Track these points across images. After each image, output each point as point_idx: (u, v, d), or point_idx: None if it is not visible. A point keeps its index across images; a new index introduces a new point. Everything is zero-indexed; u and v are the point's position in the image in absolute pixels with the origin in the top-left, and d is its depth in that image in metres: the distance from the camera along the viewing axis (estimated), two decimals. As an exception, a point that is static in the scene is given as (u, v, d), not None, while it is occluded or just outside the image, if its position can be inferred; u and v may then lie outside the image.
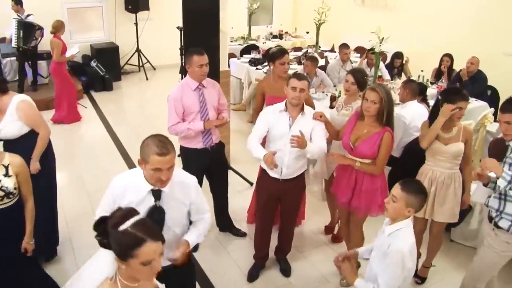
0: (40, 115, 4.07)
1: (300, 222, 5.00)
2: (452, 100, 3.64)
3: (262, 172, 3.95)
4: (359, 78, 4.15)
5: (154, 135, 2.56)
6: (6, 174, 3.08)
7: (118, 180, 2.73)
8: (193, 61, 3.99)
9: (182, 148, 4.34)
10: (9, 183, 3.08)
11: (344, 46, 7.38)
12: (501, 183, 3.02)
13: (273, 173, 3.78)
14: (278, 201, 4.01)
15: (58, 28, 7.42)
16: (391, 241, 2.65)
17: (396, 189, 2.68)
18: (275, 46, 8.76)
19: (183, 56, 5.37)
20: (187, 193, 2.78)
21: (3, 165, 3.08)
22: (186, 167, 4.40)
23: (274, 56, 4.43)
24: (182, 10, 4.90)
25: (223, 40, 5.28)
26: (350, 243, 4.07)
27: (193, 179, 2.85)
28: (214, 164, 4.40)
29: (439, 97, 3.87)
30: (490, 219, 3.28)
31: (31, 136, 3.94)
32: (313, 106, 4.52)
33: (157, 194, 2.64)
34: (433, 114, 3.85)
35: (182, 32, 5.01)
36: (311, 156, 3.80)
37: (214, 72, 5.03)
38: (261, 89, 4.64)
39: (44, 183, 4.08)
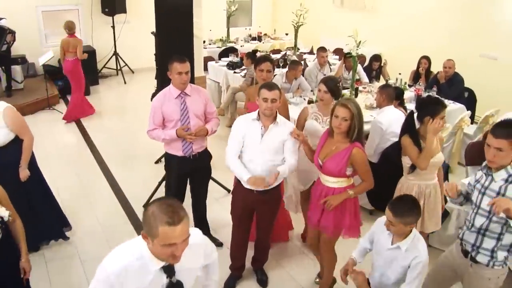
0: (25, 122, 4.13)
1: (287, 237, 4.93)
2: (436, 111, 3.59)
3: (237, 183, 3.87)
4: (331, 87, 4.10)
5: (159, 200, 2.10)
6: None
7: (112, 266, 2.14)
8: (173, 68, 3.95)
9: (166, 153, 4.39)
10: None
11: (321, 49, 7.35)
12: None
13: (247, 185, 3.71)
14: (254, 212, 3.95)
15: (73, 27, 7.90)
16: (412, 254, 2.78)
17: (389, 215, 2.75)
18: (252, 50, 8.81)
19: (157, 62, 5.26)
20: (197, 258, 2.37)
21: None
22: (168, 172, 4.52)
23: (257, 62, 4.45)
24: (155, 15, 4.82)
25: (197, 45, 5.21)
26: (322, 265, 4.01)
27: (199, 237, 2.38)
28: (195, 172, 4.37)
29: (416, 110, 3.82)
30: (465, 253, 3.05)
31: (15, 143, 4.00)
32: (288, 118, 4.49)
33: (170, 270, 2.20)
34: (410, 127, 3.81)
35: (155, 37, 4.92)
36: (284, 175, 3.77)
37: (190, 79, 4.97)
38: (247, 96, 4.64)
39: (36, 178, 4.27)
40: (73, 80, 7.97)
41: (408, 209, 2.75)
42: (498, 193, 2.80)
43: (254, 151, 3.63)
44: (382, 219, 3.00)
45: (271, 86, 3.56)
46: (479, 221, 2.91)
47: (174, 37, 4.74)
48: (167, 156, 4.40)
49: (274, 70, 4.63)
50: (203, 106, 4.22)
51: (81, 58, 7.86)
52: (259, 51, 9.62)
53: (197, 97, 4.17)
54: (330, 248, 3.80)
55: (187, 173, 4.36)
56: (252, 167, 3.63)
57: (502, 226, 2.83)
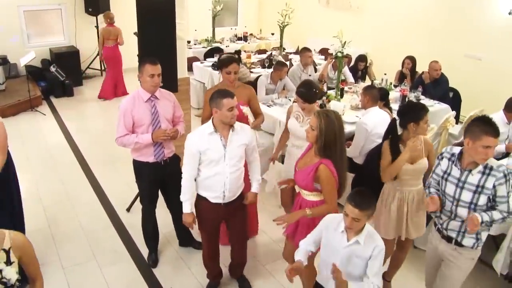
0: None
1: (256, 232, 4.90)
2: (420, 116, 3.57)
3: (201, 199, 3.66)
4: (302, 94, 4.07)
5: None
6: (8, 262, 2.42)
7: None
8: (145, 70, 3.83)
9: (134, 161, 4.17)
10: (12, 274, 2.43)
11: (306, 49, 7.27)
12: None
13: (215, 199, 3.58)
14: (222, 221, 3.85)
15: (113, 18, 9.01)
16: (371, 245, 2.79)
17: (354, 212, 2.68)
18: (235, 51, 8.75)
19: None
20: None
21: (3, 249, 2.41)
22: (139, 181, 4.28)
23: (222, 63, 4.21)
24: (137, 16, 4.73)
25: (181, 46, 5.12)
26: (302, 278, 3.84)
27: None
28: (169, 177, 4.18)
29: (399, 116, 3.79)
30: (448, 239, 3.19)
31: None
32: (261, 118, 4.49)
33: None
34: (392, 132, 3.79)
35: (137, 38, 4.83)
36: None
37: (172, 80, 4.89)
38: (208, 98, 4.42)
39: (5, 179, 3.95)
40: (111, 64, 9.18)
41: (370, 201, 2.76)
42: (477, 186, 2.96)
43: (220, 164, 3.47)
44: (330, 218, 2.96)
45: (231, 94, 3.44)
46: (462, 211, 3.05)
47: (156, 38, 4.65)
48: (137, 164, 4.17)
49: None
50: (172, 109, 4.12)
51: (121, 44, 9.05)
52: (245, 51, 9.58)
53: (167, 100, 4.07)
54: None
55: (160, 180, 4.21)
56: (220, 179, 3.51)
57: (485, 211, 2.99)
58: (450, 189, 3.10)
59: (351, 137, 5.26)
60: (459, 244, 3.15)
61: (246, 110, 4.27)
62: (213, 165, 3.47)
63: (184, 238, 4.70)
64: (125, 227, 5.05)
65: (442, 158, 3.18)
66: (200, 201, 3.67)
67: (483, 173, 2.94)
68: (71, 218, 5.19)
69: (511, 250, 3.98)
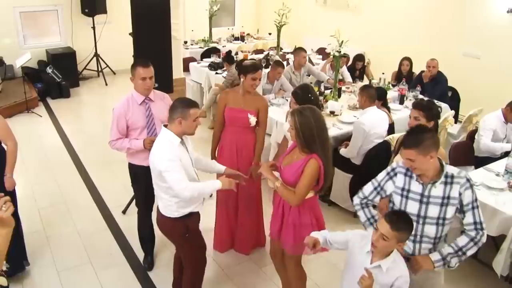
0: (8, 125, 3.90)
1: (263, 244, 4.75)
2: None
3: (185, 219, 3.39)
4: (296, 95, 4.07)
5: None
6: None
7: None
8: (137, 73, 3.77)
9: (129, 165, 4.11)
10: None
11: (300, 49, 7.14)
12: None
13: (197, 208, 3.43)
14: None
15: None
16: (395, 273, 2.63)
17: (385, 227, 2.55)
18: (226, 52, 8.67)
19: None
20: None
21: None
22: (135, 184, 4.23)
23: (248, 69, 4.10)
24: (131, 16, 4.70)
25: (176, 46, 5.09)
26: (288, 284, 3.76)
27: None
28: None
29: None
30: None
31: None
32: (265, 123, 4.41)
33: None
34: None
35: (133, 39, 4.79)
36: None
37: (167, 80, 4.85)
38: (223, 101, 4.30)
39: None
40: None
41: (405, 225, 2.58)
42: (443, 197, 2.76)
43: (192, 173, 3.35)
44: (360, 233, 2.86)
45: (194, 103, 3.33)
46: (430, 229, 2.83)
47: (151, 39, 4.62)
48: (132, 168, 4.11)
49: None
50: (167, 112, 4.02)
51: None
52: (242, 51, 9.53)
53: (161, 103, 4.00)
54: (295, 263, 3.56)
55: (147, 183, 3.98)
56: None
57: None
58: (413, 207, 2.83)
59: (348, 137, 5.21)
60: (450, 267, 2.91)
61: (252, 120, 4.16)
62: (185, 174, 3.25)
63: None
64: (121, 229, 5.00)
65: (396, 174, 2.90)
66: (185, 221, 3.38)
67: (446, 182, 2.75)
68: (66, 220, 5.14)
69: None
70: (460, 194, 2.74)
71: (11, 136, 3.86)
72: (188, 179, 3.21)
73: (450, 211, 2.77)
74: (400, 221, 2.56)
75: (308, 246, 2.89)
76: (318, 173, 3.13)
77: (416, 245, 2.88)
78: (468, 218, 2.78)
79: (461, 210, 2.78)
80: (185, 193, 3.16)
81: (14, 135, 3.91)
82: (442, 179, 2.75)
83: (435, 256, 2.83)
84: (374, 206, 3.19)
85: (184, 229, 3.40)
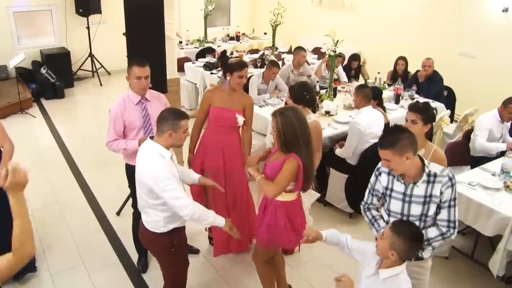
0: (4, 128, 3.88)
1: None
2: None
3: (172, 234, 3.23)
4: (292, 90, 4.08)
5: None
6: None
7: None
8: (132, 72, 3.73)
9: (126, 165, 4.06)
10: None
11: (300, 49, 7.12)
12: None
13: (183, 223, 3.29)
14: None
15: None
16: (390, 286, 2.53)
17: (388, 226, 2.55)
18: (221, 52, 8.62)
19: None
20: None
21: None
22: (131, 185, 4.16)
23: (234, 67, 4.07)
24: (125, 16, 4.64)
25: (170, 46, 5.04)
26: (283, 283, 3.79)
27: None
28: None
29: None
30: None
31: None
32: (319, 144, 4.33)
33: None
34: None
35: (126, 39, 4.74)
36: None
37: (162, 80, 4.80)
38: (208, 100, 4.25)
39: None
40: None
41: (405, 233, 2.47)
42: (425, 196, 2.77)
43: (179, 185, 3.16)
44: (372, 248, 2.69)
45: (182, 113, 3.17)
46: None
47: (144, 39, 4.56)
48: (129, 169, 4.01)
49: None
50: None
51: None
52: (237, 51, 9.50)
53: (157, 102, 3.96)
54: (263, 262, 3.59)
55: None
56: None
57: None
58: (396, 205, 2.88)
59: (344, 137, 5.18)
60: (420, 258, 2.95)
61: (240, 119, 4.12)
62: (181, 190, 3.12)
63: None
64: (115, 231, 4.96)
65: (380, 173, 2.96)
66: (171, 235, 3.23)
67: (428, 181, 2.75)
68: (59, 222, 5.10)
69: (508, 251, 3.91)
70: (441, 192, 2.75)
71: (7, 139, 3.83)
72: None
73: (432, 209, 2.79)
74: (402, 227, 2.50)
75: (306, 237, 2.86)
76: (297, 170, 3.13)
77: None
78: (443, 215, 2.79)
79: (437, 205, 2.79)
80: (186, 212, 3.00)
81: (10, 137, 3.88)
82: (424, 177, 2.76)
83: None
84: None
85: (170, 243, 3.25)
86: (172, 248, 3.26)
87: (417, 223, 2.81)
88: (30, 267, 4.17)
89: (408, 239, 2.44)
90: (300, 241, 3.18)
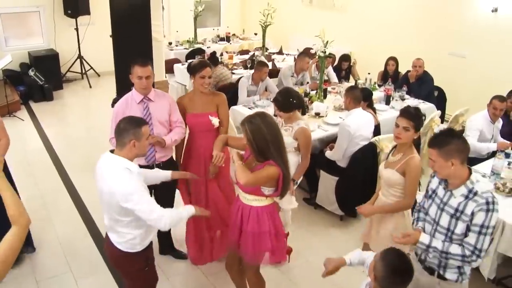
0: (3, 123, 3.99)
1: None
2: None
3: (143, 253, 3.12)
4: (277, 102, 4.02)
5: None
6: None
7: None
8: (134, 72, 3.73)
9: None
10: None
11: (305, 55, 7.03)
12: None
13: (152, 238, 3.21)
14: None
15: None
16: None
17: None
18: (211, 53, 8.53)
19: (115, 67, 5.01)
20: None
21: None
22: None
23: (194, 69, 3.94)
24: (111, 18, 4.59)
25: (157, 48, 4.99)
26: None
27: None
28: (159, 184, 3.77)
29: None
30: (430, 270, 2.90)
31: None
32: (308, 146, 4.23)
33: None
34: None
35: (112, 41, 4.69)
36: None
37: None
38: (182, 109, 4.08)
39: None
40: None
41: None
42: (456, 210, 2.67)
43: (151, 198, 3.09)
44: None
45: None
46: (439, 239, 2.77)
47: (131, 41, 4.52)
48: None
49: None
50: (168, 112, 3.94)
51: None
52: (227, 52, 9.44)
53: (162, 103, 3.90)
54: (254, 271, 3.51)
55: (151, 185, 3.92)
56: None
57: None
58: (432, 210, 2.84)
59: (334, 139, 5.14)
60: (442, 277, 2.86)
61: (215, 121, 4.00)
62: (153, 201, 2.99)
63: (164, 245, 4.57)
64: (103, 236, 4.88)
65: (434, 176, 2.90)
66: (145, 253, 3.13)
67: (466, 197, 2.64)
68: (46, 227, 5.02)
69: (498, 254, 3.88)
70: (472, 213, 2.60)
71: (5, 134, 3.96)
72: None
73: (459, 226, 2.66)
74: (390, 254, 2.43)
75: (326, 269, 2.79)
76: (276, 177, 3.07)
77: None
78: (471, 239, 2.63)
79: (467, 227, 2.64)
80: (162, 222, 2.88)
81: (7, 133, 4.04)
82: (464, 191, 2.65)
83: (423, 238, 2.76)
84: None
85: (145, 262, 3.14)
86: (146, 267, 3.17)
87: (442, 237, 2.74)
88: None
89: (389, 267, 2.35)
90: (284, 250, 3.19)
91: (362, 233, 3.90)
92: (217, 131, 4.11)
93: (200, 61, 4.11)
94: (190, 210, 3.10)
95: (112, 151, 2.97)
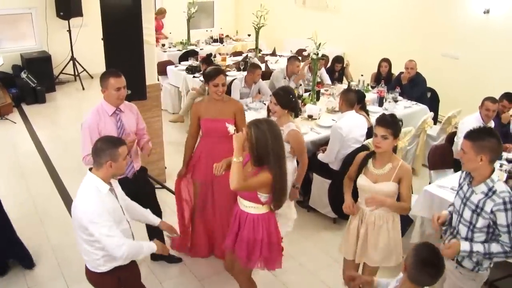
0: None
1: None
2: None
3: (109, 275, 3.01)
4: (278, 96, 3.97)
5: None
6: None
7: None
8: (110, 84, 3.65)
9: None
10: None
11: (294, 58, 7.04)
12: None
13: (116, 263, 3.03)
14: None
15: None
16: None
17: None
18: (207, 55, 8.52)
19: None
20: None
21: None
22: None
23: (208, 76, 4.00)
24: (102, 21, 4.56)
25: (149, 51, 4.96)
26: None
27: None
28: (139, 190, 3.92)
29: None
30: None
31: None
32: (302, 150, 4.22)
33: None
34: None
35: (103, 44, 4.65)
36: None
37: (141, 87, 4.73)
38: (196, 113, 4.17)
39: None
40: None
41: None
42: (477, 206, 2.84)
43: (122, 221, 3.02)
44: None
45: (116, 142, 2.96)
46: (463, 230, 2.95)
47: (122, 44, 4.49)
48: None
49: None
50: (136, 121, 3.97)
51: None
52: (220, 53, 9.41)
53: (130, 113, 3.92)
54: (247, 276, 3.53)
55: (132, 193, 3.76)
56: (128, 236, 3.06)
57: (486, 233, 2.87)
58: (457, 202, 3.03)
59: (327, 141, 5.13)
60: (459, 263, 3.02)
61: (231, 128, 3.93)
62: (116, 227, 2.86)
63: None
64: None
65: (463, 170, 3.07)
66: (115, 273, 3.02)
67: (486, 194, 2.81)
68: (38, 232, 4.98)
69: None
70: (492, 212, 2.78)
71: None
72: (119, 230, 2.87)
73: (480, 222, 2.84)
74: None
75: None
76: (270, 182, 3.08)
77: (453, 240, 2.99)
78: (505, 238, 2.80)
79: (496, 227, 2.82)
80: (120, 252, 2.80)
81: None
82: (484, 189, 2.82)
83: (464, 246, 2.86)
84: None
85: (116, 283, 3.04)
86: (120, 287, 3.09)
87: (465, 229, 2.92)
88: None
89: (419, 257, 2.41)
90: (279, 258, 3.29)
91: (345, 247, 3.65)
92: (230, 139, 4.10)
93: (214, 69, 4.12)
94: (151, 246, 3.05)
95: (90, 169, 2.92)
